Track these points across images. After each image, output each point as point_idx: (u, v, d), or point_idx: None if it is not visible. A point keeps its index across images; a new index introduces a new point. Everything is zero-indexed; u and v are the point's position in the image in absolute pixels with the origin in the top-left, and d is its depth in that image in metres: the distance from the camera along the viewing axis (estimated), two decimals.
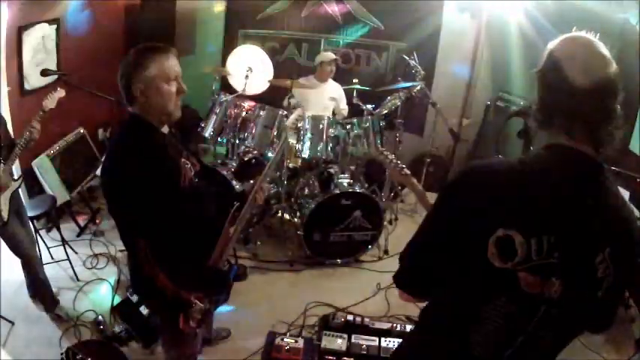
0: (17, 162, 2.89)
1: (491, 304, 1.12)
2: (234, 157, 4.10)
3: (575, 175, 1.08)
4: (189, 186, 1.78)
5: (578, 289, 1.08)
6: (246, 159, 4.08)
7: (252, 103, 4.07)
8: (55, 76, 3.70)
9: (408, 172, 2.02)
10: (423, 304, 1.36)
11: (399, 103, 4.09)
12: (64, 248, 3.46)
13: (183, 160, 1.82)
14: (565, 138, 1.08)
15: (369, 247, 3.93)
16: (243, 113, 3.97)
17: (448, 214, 1.15)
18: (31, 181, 3.64)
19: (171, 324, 1.77)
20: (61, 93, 2.82)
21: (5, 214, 2.67)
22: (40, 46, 3.79)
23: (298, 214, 3.93)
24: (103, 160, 1.75)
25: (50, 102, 2.77)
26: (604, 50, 1.05)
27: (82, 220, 4.06)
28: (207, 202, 1.91)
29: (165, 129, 1.79)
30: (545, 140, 1.13)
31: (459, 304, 1.20)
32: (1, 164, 2.64)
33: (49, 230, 3.78)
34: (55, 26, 3.92)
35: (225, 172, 3.76)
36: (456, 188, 1.18)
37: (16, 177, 2.83)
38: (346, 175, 3.88)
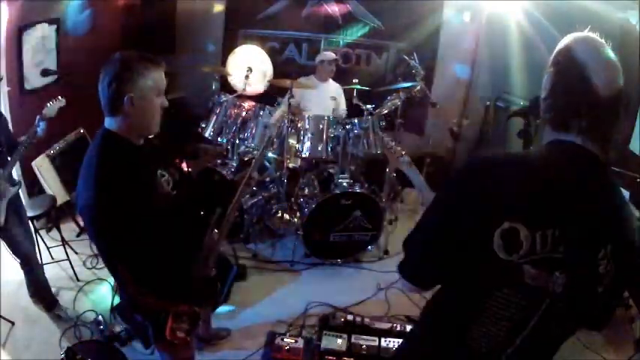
0: (17, 162, 2.88)
1: (494, 297, 1.12)
2: (234, 157, 4.10)
3: (581, 171, 1.09)
4: (163, 201, 1.74)
5: (580, 284, 1.09)
6: (246, 159, 4.08)
7: (252, 103, 4.07)
8: (55, 76, 3.71)
9: (408, 158, 2.00)
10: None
11: (399, 103, 4.09)
12: (64, 248, 3.46)
13: (160, 172, 1.79)
14: (573, 136, 1.09)
15: (369, 247, 3.93)
16: (243, 113, 3.98)
17: (454, 204, 1.14)
18: (31, 181, 3.64)
19: (160, 333, 1.75)
20: (61, 102, 2.80)
21: (2, 220, 2.66)
22: (40, 46, 3.78)
23: (298, 214, 3.92)
24: (78, 181, 1.65)
25: (50, 111, 2.74)
26: (613, 55, 1.08)
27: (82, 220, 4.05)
28: (182, 215, 1.86)
29: (141, 140, 1.75)
30: (551, 136, 1.14)
31: (461, 297, 1.19)
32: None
33: (49, 230, 3.78)
34: (55, 26, 3.92)
35: (224, 172, 3.77)
36: (463, 179, 1.18)
37: (16, 177, 2.82)
38: (346, 175, 3.88)
